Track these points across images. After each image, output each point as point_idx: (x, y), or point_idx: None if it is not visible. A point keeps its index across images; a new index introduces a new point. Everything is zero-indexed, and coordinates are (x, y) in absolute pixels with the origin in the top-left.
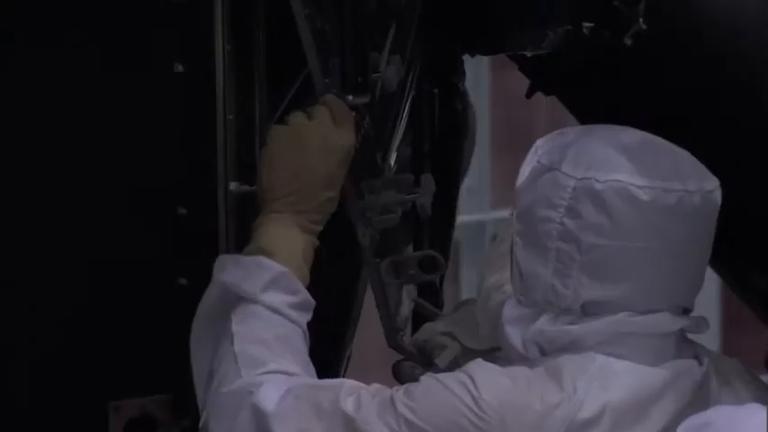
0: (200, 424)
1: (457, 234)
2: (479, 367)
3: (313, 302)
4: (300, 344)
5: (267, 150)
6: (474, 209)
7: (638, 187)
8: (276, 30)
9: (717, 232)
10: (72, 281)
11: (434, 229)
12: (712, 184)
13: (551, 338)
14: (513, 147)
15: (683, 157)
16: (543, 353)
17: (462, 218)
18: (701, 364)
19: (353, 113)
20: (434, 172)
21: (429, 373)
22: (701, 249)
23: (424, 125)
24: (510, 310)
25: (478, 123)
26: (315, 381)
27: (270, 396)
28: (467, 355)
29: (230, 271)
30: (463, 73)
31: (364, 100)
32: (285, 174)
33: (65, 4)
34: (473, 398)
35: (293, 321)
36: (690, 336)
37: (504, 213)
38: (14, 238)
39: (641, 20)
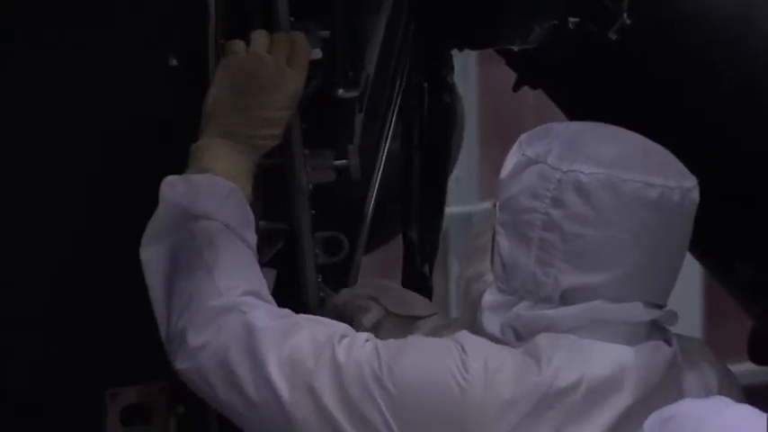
0: (167, 333)
1: (445, 224)
2: (468, 336)
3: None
4: (258, 268)
5: (218, 74)
6: (462, 200)
7: (623, 180)
8: (269, 24)
9: (702, 223)
10: (69, 271)
11: (423, 219)
12: (691, 182)
13: (527, 322)
14: (501, 139)
15: (665, 156)
16: (519, 337)
17: (450, 208)
18: (670, 345)
19: (310, 54)
20: (423, 163)
21: (416, 335)
22: (677, 246)
23: (414, 118)
24: (490, 298)
25: (467, 116)
26: (311, 316)
27: (264, 318)
28: (389, 318)
29: (181, 190)
30: (452, 67)
31: (354, 94)
32: (229, 104)
33: (63, 5)
34: (462, 360)
35: (249, 246)
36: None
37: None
38: (14, 231)
39: (625, 14)
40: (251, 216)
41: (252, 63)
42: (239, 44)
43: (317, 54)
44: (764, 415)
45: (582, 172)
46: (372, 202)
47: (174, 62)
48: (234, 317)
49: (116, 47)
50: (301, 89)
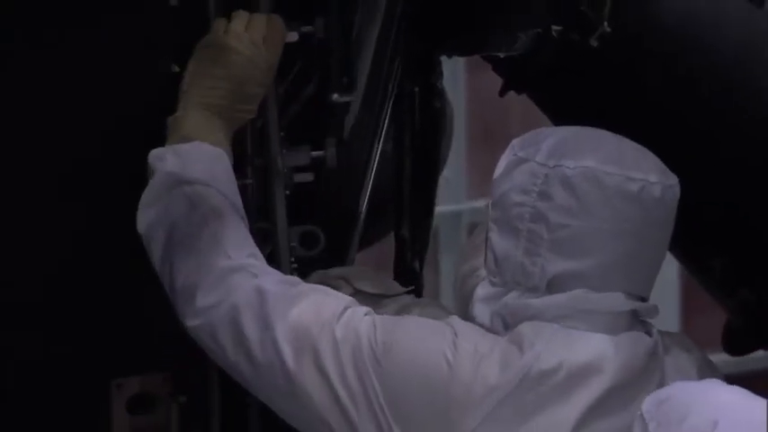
0: (172, 291)
1: (435, 222)
2: (460, 321)
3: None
4: (249, 233)
5: (198, 50)
6: (451, 199)
7: (606, 173)
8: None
9: (682, 225)
10: (76, 263)
11: (414, 218)
12: (672, 179)
13: (514, 311)
14: (488, 141)
15: (648, 154)
16: (506, 326)
17: (440, 208)
18: (651, 336)
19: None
20: (414, 164)
21: (384, 311)
22: (659, 240)
23: (406, 121)
24: (482, 291)
25: (455, 120)
26: (317, 285)
27: (274, 283)
28: (358, 296)
29: (171, 160)
30: (441, 73)
31: (348, 98)
32: (207, 79)
33: (63, 5)
34: (453, 341)
35: (240, 212)
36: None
37: (479, 204)
38: (20, 225)
39: (606, 23)
40: (235, 181)
41: (229, 40)
42: (221, 22)
43: (294, 37)
44: (754, 396)
45: (567, 167)
46: (366, 201)
47: (176, 69)
48: (243, 278)
49: (116, 47)
50: (275, 66)
